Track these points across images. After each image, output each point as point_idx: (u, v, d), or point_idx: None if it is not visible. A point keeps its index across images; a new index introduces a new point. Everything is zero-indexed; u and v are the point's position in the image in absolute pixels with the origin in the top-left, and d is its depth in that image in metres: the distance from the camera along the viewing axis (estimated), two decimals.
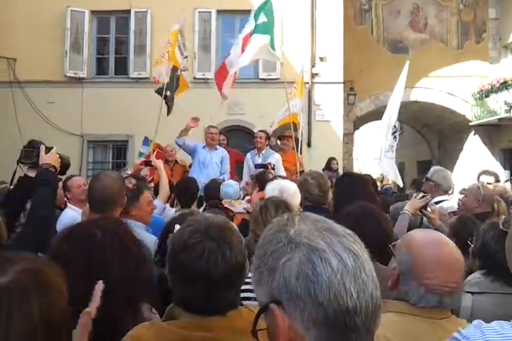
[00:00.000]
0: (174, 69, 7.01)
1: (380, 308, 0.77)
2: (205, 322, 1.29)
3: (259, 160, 6.36)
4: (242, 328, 1.29)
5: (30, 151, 2.42)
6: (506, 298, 2.19)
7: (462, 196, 3.87)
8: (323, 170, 8.06)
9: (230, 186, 4.57)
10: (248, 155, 6.75)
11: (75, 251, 1.45)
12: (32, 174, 2.39)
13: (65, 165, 2.52)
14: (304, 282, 0.73)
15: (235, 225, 1.44)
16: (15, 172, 2.53)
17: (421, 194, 3.37)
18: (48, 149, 2.43)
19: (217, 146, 6.82)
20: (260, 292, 0.79)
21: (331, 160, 9.01)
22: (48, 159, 2.37)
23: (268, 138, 6.76)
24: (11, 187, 2.65)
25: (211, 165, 6.55)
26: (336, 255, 0.74)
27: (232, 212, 3.96)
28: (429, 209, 3.42)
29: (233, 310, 1.33)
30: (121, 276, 1.42)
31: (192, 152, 6.77)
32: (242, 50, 6.37)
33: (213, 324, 1.29)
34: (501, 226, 2.20)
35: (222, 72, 6.82)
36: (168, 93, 6.86)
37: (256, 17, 6.55)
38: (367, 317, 0.74)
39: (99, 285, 1.33)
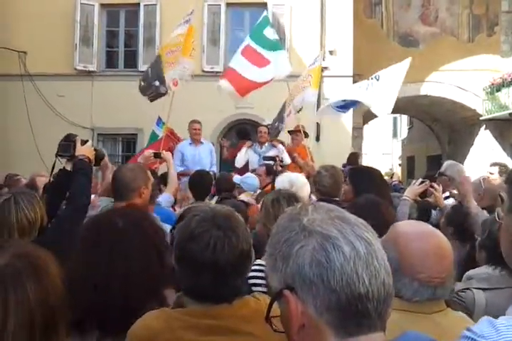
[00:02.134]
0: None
1: (391, 296, 0.78)
2: (212, 310, 1.31)
3: (261, 151, 6.70)
4: (248, 316, 1.32)
5: (67, 145, 2.56)
6: None
7: None
8: (346, 164, 7.98)
9: (254, 179, 4.65)
10: (245, 147, 6.94)
11: (98, 241, 1.51)
12: (69, 167, 2.54)
13: (99, 156, 2.69)
14: (317, 268, 0.74)
15: (239, 215, 1.45)
16: (54, 165, 2.65)
17: (420, 180, 3.39)
18: (84, 142, 2.58)
19: (203, 140, 6.94)
20: (274, 279, 0.80)
21: (358, 155, 8.73)
22: (83, 151, 2.53)
23: (269, 132, 6.98)
24: (51, 179, 2.78)
25: (201, 160, 6.61)
26: (348, 243, 0.75)
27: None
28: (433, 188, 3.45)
29: (239, 298, 1.35)
30: (142, 265, 1.46)
31: (180, 155, 6.74)
32: (251, 61, 6.52)
33: (220, 312, 1.31)
34: (497, 218, 2.18)
35: (233, 75, 6.68)
36: (157, 83, 6.71)
37: (262, 29, 6.69)
38: (379, 303, 0.75)
39: None
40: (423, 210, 3.77)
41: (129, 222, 1.55)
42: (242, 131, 7.20)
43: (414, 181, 3.44)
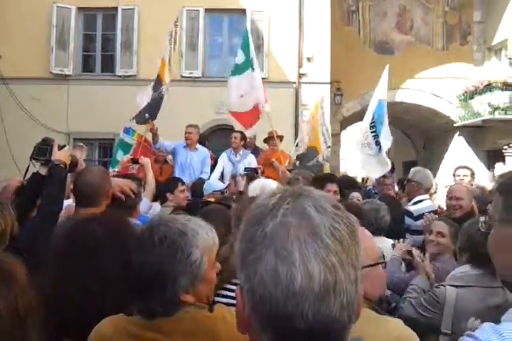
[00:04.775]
0: (159, 82, 6.92)
1: (344, 330, 0.70)
2: (154, 323, 1.30)
3: (236, 159, 6.61)
4: (195, 331, 1.30)
5: (44, 148, 2.50)
6: (490, 291, 2.26)
7: (454, 200, 3.80)
8: None
9: (209, 185, 4.72)
10: (224, 154, 6.83)
11: (74, 251, 1.53)
12: (43, 171, 2.48)
13: (73, 163, 2.61)
14: (262, 290, 0.68)
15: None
16: (27, 168, 2.61)
17: (401, 240, 3.23)
18: (61, 147, 2.52)
19: (199, 146, 6.77)
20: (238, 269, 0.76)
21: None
22: (60, 156, 2.47)
23: (243, 138, 6.80)
24: (24, 182, 2.72)
25: (192, 165, 6.53)
26: (304, 271, 0.66)
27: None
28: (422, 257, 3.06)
29: (181, 311, 1.32)
30: (119, 275, 1.46)
31: (172, 153, 6.72)
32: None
33: (162, 325, 1.29)
34: (481, 228, 2.24)
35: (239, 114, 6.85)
36: (147, 115, 6.73)
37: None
38: (325, 337, 0.68)
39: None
40: (396, 212, 3.76)
41: (106, 231, 1.56)
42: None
43: (396, 241, 3.22)
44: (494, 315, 0.93)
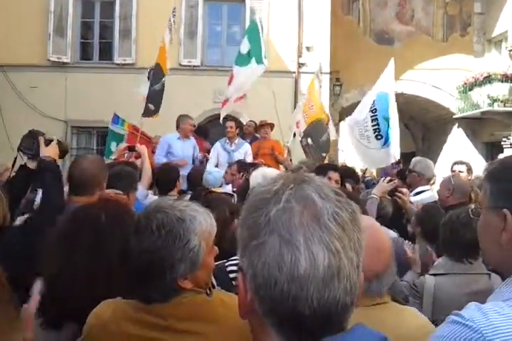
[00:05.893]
0: (159, 70, 6.78)
1: (345, 313, 0.71)
2: (153, 307, 1.31)
3: (231, 149, 6.56)
4: (195, 315, 1.30)
5: (31, 142, 2.47)
6: (468, 277, 2.30)
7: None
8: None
9: (209, 173, 4.67)
10: (218, 143, 6.75)
11: (79, 236, 1.54)
12: (31, 165, 2.45)
13: (63, 149, 2.57)
14: (267, 274, 0.68)
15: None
16: (15, 159, 2.58)
17: (388, 178, 3.42)
18: (48, 141, 2.47)
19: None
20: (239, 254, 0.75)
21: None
22: (49, 152, 2.42)
23: (238, 127, 6.73)
24: (12, 174, 2.70)
25: (189, 154, 6.52)
26: (309, 255, 0.67)
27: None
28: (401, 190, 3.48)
29: (179, 297, 1.32)
30: (122, 258, 1.47)
31: (167, 147, 6.57)
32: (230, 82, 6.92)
33: (160, 310, 1.30)
34: (471, 215, 2.26)
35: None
36: (152, 107, 6.57)
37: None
38: (327, 322, 0.69)
39: (37, 285, 1.36)
40: (398, 206, 3.81)
41: (110, 217, 1.57)
42: (201, 129, 7.11)
43: (382, 179, 3.46)
44: (476, 300, 0.93)
